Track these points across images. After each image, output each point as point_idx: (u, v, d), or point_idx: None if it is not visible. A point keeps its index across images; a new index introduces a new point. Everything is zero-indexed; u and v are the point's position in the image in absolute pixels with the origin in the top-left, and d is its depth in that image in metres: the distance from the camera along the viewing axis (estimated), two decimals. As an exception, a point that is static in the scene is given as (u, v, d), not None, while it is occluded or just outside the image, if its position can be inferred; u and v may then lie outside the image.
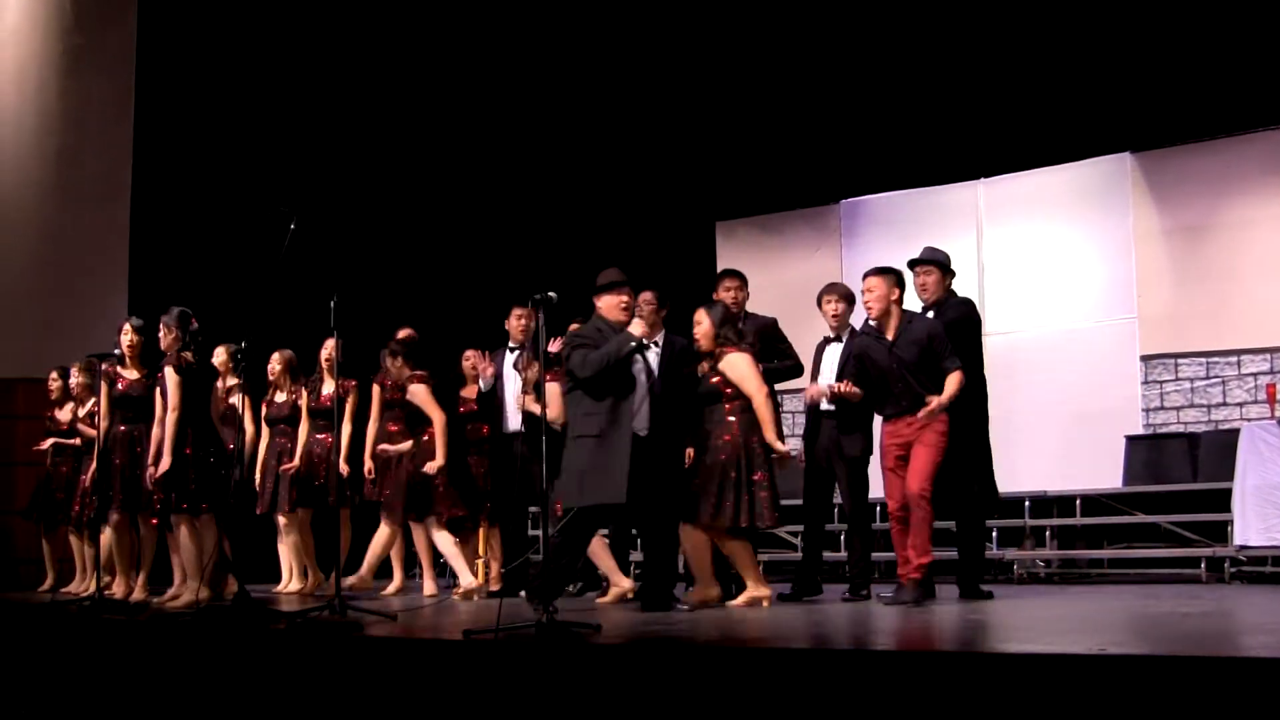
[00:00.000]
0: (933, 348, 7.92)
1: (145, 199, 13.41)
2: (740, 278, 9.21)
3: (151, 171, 13.45)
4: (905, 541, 7.91)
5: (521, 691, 5.59)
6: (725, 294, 9.03)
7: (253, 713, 6.29)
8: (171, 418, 9.06)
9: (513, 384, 9.90)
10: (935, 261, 8.50)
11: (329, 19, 13.99)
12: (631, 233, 14.27)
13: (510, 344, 10.12)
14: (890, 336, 8.03)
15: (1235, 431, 10.49)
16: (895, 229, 13.06)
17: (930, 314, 8.40)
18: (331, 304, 7.97)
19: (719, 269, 10.68)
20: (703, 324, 8.36)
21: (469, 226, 14.65)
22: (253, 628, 7.33)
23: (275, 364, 10.77)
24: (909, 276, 8.49)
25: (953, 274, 8.55)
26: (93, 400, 11.07)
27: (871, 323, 8.22)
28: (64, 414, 11.31)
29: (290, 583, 10.81)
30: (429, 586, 10.31)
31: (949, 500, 8.26)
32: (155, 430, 9.34)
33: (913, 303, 8.49)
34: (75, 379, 11.15)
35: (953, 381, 7.85)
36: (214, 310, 9.80)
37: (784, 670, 5.13)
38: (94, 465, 9.78)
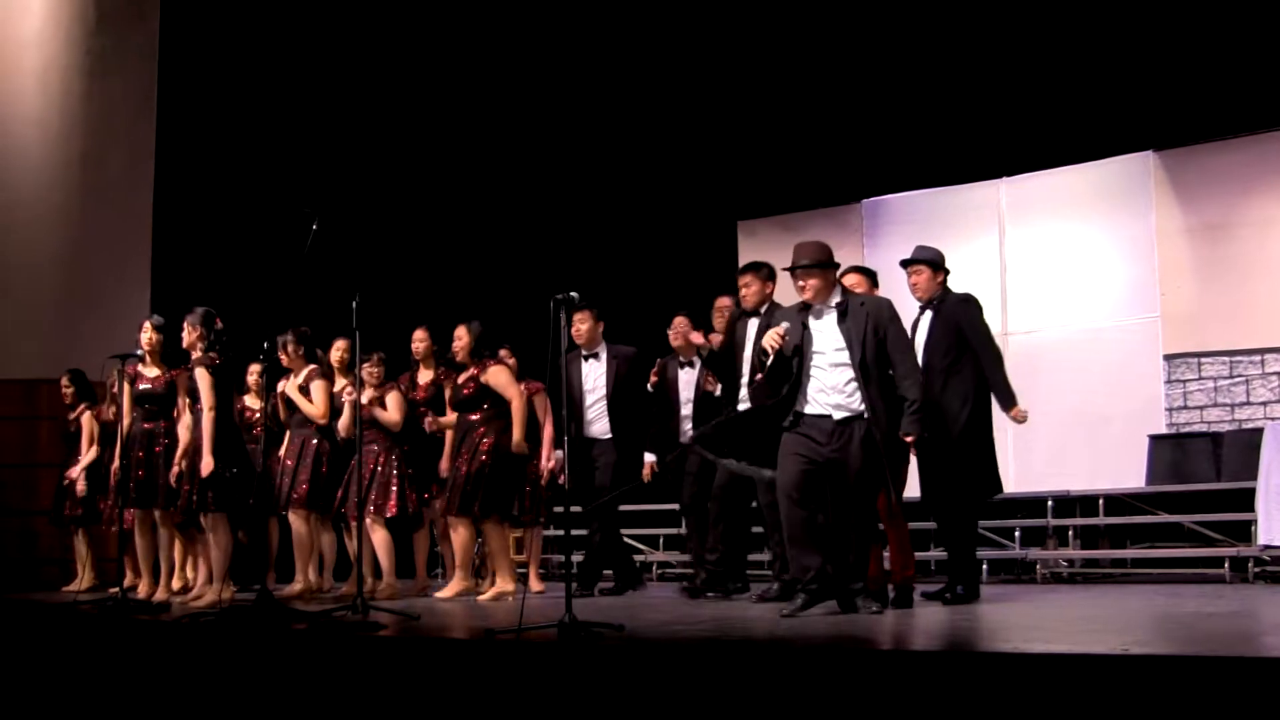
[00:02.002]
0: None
1: (168, 200, 13.46)
2: (756, 270, 8.92)
3: (174, 172, 13.51)
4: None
5: (544, 691, 5.59)
6: (742, 291, 8.90)
7: (276, 713, 6.31)
8: (208, 417, 9.06)
9: (593, 389, 9.82)
10: (924, 260, 8.37)
11: (350, 19, 14.02)
12: (653, 232, 14.30)
13: (583, 351, 9.87)
14: None
15: (1259, 430, 10.43)
16: (917, 228, 12.99)
17: (929, 313, 8.34)
18: (353, 304, 7.99)
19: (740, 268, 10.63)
20: (462, 339, 9.53)
21: (490, 226, 14.67)
22: (275, 628, 7.35)
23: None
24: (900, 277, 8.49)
25: (946, 271, 8.43)
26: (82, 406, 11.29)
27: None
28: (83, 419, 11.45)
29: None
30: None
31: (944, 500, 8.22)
32: (180, 430, 9.39)
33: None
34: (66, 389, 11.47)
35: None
36: (236, 310, 9.81)
37: (807, 669, 5.12)
38: (115, 463, 9.82)
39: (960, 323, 8.20)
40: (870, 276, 8.55)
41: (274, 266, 8.57)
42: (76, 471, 11.24)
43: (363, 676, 6.22)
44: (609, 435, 9.79)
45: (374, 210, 13.90)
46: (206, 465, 9.01)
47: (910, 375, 7.39)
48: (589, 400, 9.82)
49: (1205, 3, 11.55)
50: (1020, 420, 8.17)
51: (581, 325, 9.76)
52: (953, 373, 8.09)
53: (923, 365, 7.96)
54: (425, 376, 10.22)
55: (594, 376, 9.84)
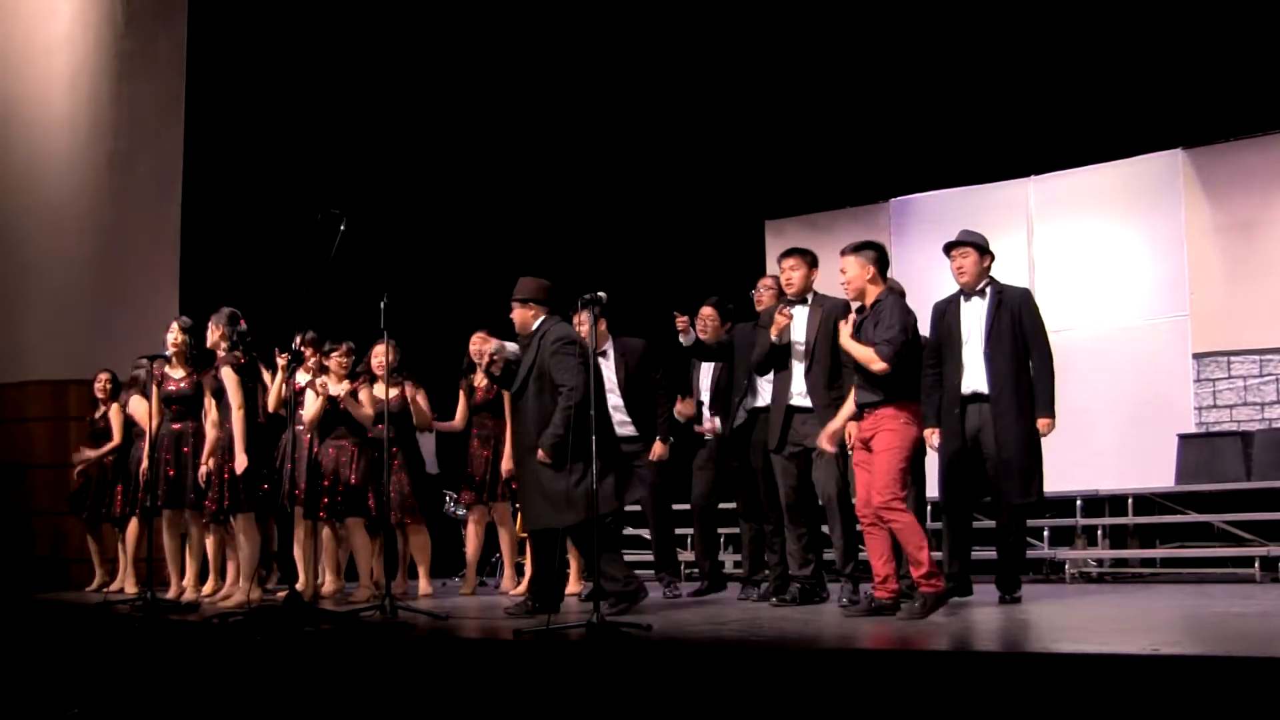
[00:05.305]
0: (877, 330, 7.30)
1: (196, 201, 13.50)
2: (795, 257, 8.24)
3: (202, 174, 13.55)
4: (879, 549, 7.21)
5: (572, 691, 5.59)
6: (784, 277, 8.26)
7: (304, 713, 6.33)
8: (238, 416, 9.08)
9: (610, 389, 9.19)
10: (971, 243, 8.11)
11: (378, 21, 14.06)
12: (681, 232, 14.29)
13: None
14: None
15: (1289, 429, 10.41)
16: (945, 227, 12.81)
17: (978, 300, 8.03)
18: (382, 305, 8.01)
19: (768, 269, 10.53)
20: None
21: (519, 226, 14.68)
22: (303, 628, 7.36)
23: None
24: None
25: (991, 256, 8.15)
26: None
27: (854, 304, 7.73)
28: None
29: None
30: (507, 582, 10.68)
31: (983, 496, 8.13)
32: (208, 430, 9.41)
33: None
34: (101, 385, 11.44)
35: (866, 351, 7.23)
36: (265, 312, 9.84)
37: (835, 670, 5.12)
38: (145, 463, 9.87)
39: (1023, 317, 7.96)
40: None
41: (302, 267, 8.59)
42: (87, 455, 11.29)
43: (391, 676, 6.24)
44: (635, 433, 9.21)
45: (401, 210, 13.92)
46: (240, 464, 9.04)
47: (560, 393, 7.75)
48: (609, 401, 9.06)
49: (1233, 0, 11.51)
50: (1045, 433, 7.86)
51: (581, 326, 9.02)
52: (1024, 369, 7.88)
53: (985, 357, 7.83)
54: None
55: (606, 376, 9.14)
